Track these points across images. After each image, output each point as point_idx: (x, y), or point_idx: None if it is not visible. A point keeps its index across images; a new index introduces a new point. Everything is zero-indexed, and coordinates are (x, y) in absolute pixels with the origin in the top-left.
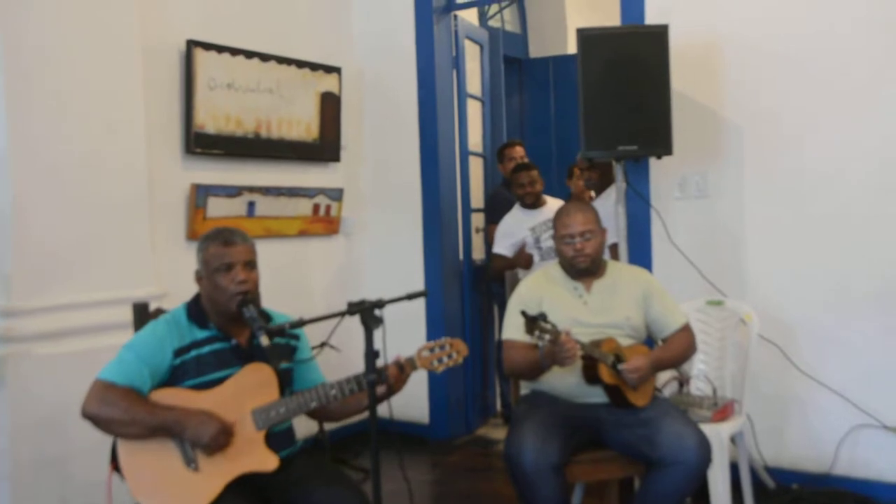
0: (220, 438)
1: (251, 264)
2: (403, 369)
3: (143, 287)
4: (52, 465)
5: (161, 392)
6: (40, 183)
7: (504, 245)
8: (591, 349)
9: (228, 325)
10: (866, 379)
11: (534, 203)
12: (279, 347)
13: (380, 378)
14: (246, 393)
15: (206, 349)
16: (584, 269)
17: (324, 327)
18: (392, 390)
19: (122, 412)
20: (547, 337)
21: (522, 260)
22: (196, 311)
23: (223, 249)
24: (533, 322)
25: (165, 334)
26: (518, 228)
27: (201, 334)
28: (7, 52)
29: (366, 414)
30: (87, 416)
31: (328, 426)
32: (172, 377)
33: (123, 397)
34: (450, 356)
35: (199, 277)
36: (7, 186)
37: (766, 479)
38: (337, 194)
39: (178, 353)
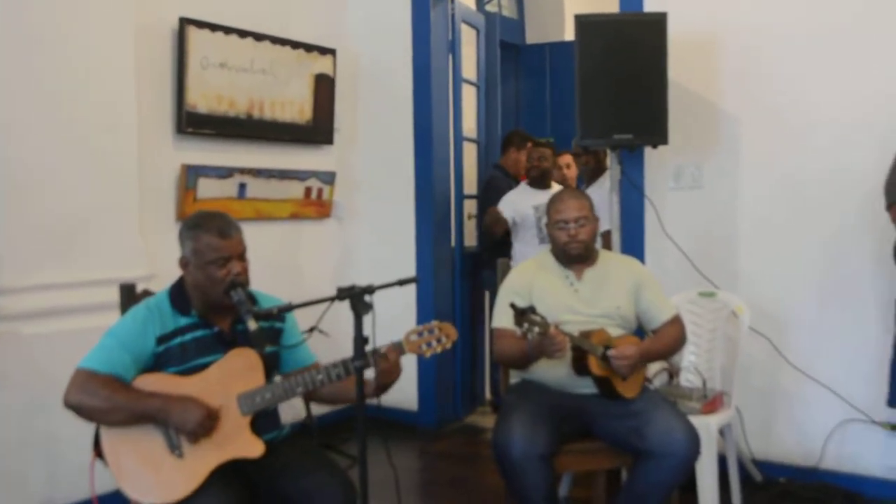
0: (206, 424)
1: (244, 254)
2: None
3: (131, 268)
4: (39, 446)
5: (145, 378)
6: (30, 162)
7: (506, 208)
8: (580, 341)
9: (211, 312)
10: (856, 373)
11: (539, 181)
12: (263, 331)
13: (367, 363)
14: (231, 378)
15: (188, 336)
16: (576, 255)
17: (314, 312)
18: (391, 376)
19: (104, 401)
20: (536, 330)
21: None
22: (178, 297)
23: (220, 243)
24: (522, 315)
25: (147, 320)
26: (522, 202)
27: (184, 321)
28: None
29: None
30: (70, 406)
31: (316, 411)
32: (156, 364)
33: (105, 386)
34: (438, 340)
35: (184, 263)
36: None
37: (753, 472)
38: (329, 178)
39: (161, 340)
